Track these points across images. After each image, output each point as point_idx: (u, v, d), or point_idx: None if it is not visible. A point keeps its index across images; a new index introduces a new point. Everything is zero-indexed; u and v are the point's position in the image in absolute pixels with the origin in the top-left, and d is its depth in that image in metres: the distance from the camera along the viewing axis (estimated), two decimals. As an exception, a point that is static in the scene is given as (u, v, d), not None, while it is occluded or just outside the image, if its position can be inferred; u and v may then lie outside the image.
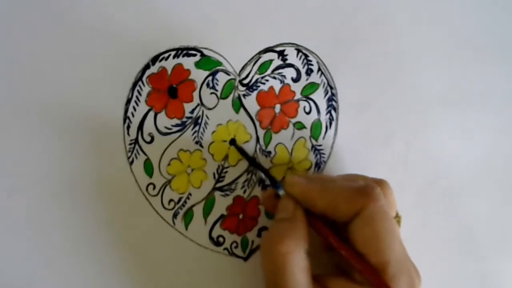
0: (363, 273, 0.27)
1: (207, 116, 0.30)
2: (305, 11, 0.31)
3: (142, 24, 0.28)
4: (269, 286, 0.27)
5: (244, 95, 0.31)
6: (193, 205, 0.31)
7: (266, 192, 0.31)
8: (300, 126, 0.33)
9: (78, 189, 0.28)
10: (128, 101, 0.28)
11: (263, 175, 0.31)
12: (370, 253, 0.27)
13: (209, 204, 0.31)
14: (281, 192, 0.30)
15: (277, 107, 0.32)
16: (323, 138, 0.34)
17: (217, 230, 0.32)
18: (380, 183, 0.30)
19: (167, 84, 0.29)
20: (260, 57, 0.31)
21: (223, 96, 0.31)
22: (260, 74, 0.31)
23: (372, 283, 0.27)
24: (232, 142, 0.31)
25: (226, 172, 0.31)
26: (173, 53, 0.29)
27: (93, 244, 0.29)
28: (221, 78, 0.30)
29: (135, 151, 0.29)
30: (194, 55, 0.29)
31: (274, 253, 0.27)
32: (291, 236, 0.27)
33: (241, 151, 0.31)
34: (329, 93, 0.33)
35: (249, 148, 0.32)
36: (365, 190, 0.28)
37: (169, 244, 0.30)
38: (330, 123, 0.34)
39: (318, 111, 0.33)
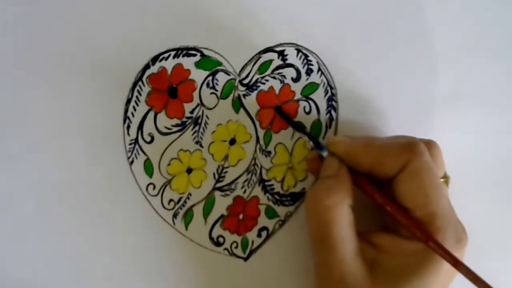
0: (409, 228, 0.27)
1: (207, 116, 0.30)
2: (305, 11, 0.31)
3: (142, 24, 0.28)
4: (315, 240, 0.28)
5: (244, 95, 0.31)
6: (193, 205, 0.31)
7: (310, 153, 0.32)
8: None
9: (78, 189, 0.28)
10: (128, 101, 0.28)
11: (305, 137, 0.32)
12: (416, 207, 0.27)
13: (209, 204, 0.31)
14: (324, 154, 0.30)
15: (277, 107, 0.32)
16: (323, 138, 0.34)
17: (217, 230, 0.32)
18: (428, 143, 0.30)
19: (167, 84, 0.29)
20: (260, 57, 0.31)
21: (223, 96, 0.31)
22: (260, 74, 0.31)
23: (418, 237, 0.27)
24: (277, 109, 0.32)
25: (226, 172, 0.31)
26: (173, 53, 0.29)
27: (93, 244, 0.29)
28: (221, 78, 0.30)
29: (135, 151, 0.29)
30: (194, 55, 0.29)
31: (320, 207, 0.27)
32: (336, 190, 0.28)
33: (283, 115, 0.32)
34: (329, 93, 0.33)
35: (249, 148, 0.32)
36: (410, 146, 0.28)
37: (169, 244, 0.30)
38: (330, 123, 0.34)
39: (318, 111, 0.33)
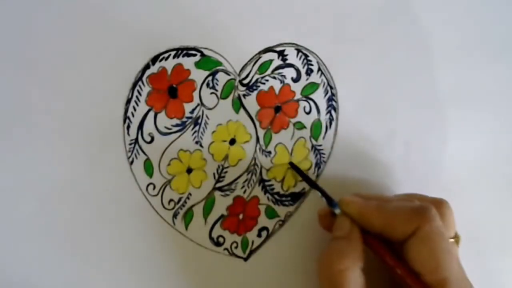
0: None
1: (207, 116, 0.30)
2: (305, 11, 0.31)
3: (142, 24, 0.28)
4: None
5: (244, 95, 0.31)
6: (193, 205, 0.31)
7: (321, 210, 0.32)
8: (300, 126, 0.33)
9: (78, 189, 0.28)
10: (128, 101, 0.28)
11: (319, 194, 0.32)
12: (427, 272, 0.28)
13: (209, 204, 0.31)
14: (337, 211, 0.30)
15: (277, 107, 0.32)
16: (323, 138, 0.34)
17: (217, 230, 0.32)
18: (439, 203, 0.31)
19: (167, 84, 0.29)
20: (260, 57, 0.31)
21: (223, 96, 0.31)
22: (260, 74, 0.31)
23: None
24: (291, 164, 0.33)
25: (226, 172, 0.31)
26: (173, 53, 0.29)
27: (93, 244, 0.29)
28: (221, 78, 0.30)
29: (135, 151, 0.29)
30: (194, 55, 0.29)
31: (332, 271, 0.28)
32: (348, 254, 0.28)
33: (298, 170, 0.33)
34: (329, 93, 0.33)
35: (249, 148, 0.32)
36: (421, 211, 0.28)
37: (169, 244, 0.30)
38: (330, 123, 0.34)
39: (318, 111, 0.33)
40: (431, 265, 0.28)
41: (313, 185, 0.33)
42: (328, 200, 0.31)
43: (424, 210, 0.28)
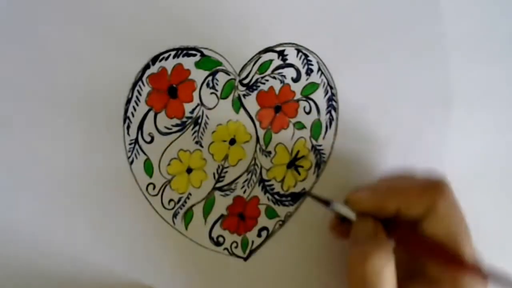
0: (445, 264, 0.27)
1: (207, 116, 0.30)
2: (305, 11, 0.31)
3: (142, 24, 0.28)
4: None
5: (244, 95, 0.31)
6: (193, 205, 0.31)
7: (330, 222, 0.32)
8: (300, 126, 0.33)
9: (78, 188, 0.28)
10: (128, 101, 0.28)
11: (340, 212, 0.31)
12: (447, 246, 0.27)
13: (209, 204, 0.31)
14: (353, 218, 0.30)
15: (277, 107, 0.32)
16: (323, 138, 0.34)
17: (217, 230, 0.32)
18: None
19: (167, 84, 0.29)
20: (260, 57, 0.31)
21: (223, 96, 0.31)
22: (260, 74, 0.31)
23: (454, 269, 0.27)
24: (308, 193, 0.33)
25: (226, 172, 0.31)
26: (173, 53, 0.29)
27: (93, 244, 0.29)
28: (221, 78, 0.30)
29: (135, 151, 0.29)
30: (194, 55, 0.29)
31: (366, 272, 0.27)
32: (380, 252, 0.27)
33: (315, 198, 0.32)
34: (329, 93, 0.33)
35: (249, 148, 0.32)
36: (436, 185, 0.28)
37: (169, 244, 0.30)
38: (330, 123, 0.34)
39: (318, 111, 0.33)
40: (450, 240, 0.27)
41: (332, 208, 0.31)
42: (347, 216, 0.30)
43: (440, 184, 0.28)
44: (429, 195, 0.28)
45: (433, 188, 0.28)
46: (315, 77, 0.33)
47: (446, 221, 0.27)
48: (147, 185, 0.29)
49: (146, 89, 0.28)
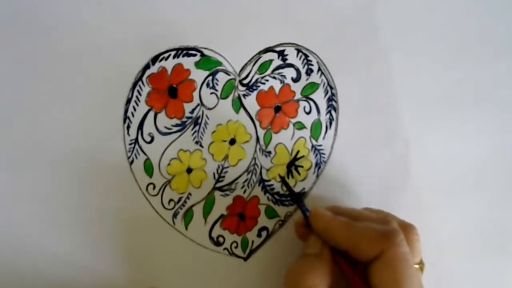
0: None
1: (207, 116, 0.30)
2: (305, 11, 0.31)
3: (142, 24, 0.28)
4: None
5: (244, 95, 0.31)
6: (193, 205, 0.31)
7: (298, 221, 0.32)
8: (300, 126, 0.33)
9: (78, 188, 0.28)
10: (128, 101, 0.28)
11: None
12: None
13: (209, 204, 0.31)
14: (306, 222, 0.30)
15: (277, 107, 0.32)
16: (323, 138, 0.34)
17: (217, 230, 0.32)
18: (408, 227, 0.30)
19: (167, 84, 0.29)
20: (260, 57, 0.31)
21: (223, 96, 0.31)
22: (260, 74, 0.31)
23: None
24: (281, 177, 0.33)
25: (226, 172, 0.31)
26: (173, 53, 0.29)
27: (93, 244, 0.29)
28: (221, 78, 0.30)
29: (135, 151, 0.29)
30: (194, 55, 0.29)
31: (299, 286, 0.28)
32: (316, 271, 0.28)
33: (285, 183, 0.32)
34: (329, 93, 0.33)
35: (249, 148, 0.32)
36: (388, 234, 0.28)
37: (169, 244, 0.30)
38: (330, 123, 0.34)
39: (318, 111, 0.33)
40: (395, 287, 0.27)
41: (295, 200, 0.32)
42: (306, 218, 0.31)
43: (391, 234, 0.28)
44: (379, 243, 0.28)
45: (385, 237, 0.28)
46: (315, 77, 0.33)
47: (391, 272, 0.27)
48: (147, 185, 0.29)
49: (146, 89, 0.28)
